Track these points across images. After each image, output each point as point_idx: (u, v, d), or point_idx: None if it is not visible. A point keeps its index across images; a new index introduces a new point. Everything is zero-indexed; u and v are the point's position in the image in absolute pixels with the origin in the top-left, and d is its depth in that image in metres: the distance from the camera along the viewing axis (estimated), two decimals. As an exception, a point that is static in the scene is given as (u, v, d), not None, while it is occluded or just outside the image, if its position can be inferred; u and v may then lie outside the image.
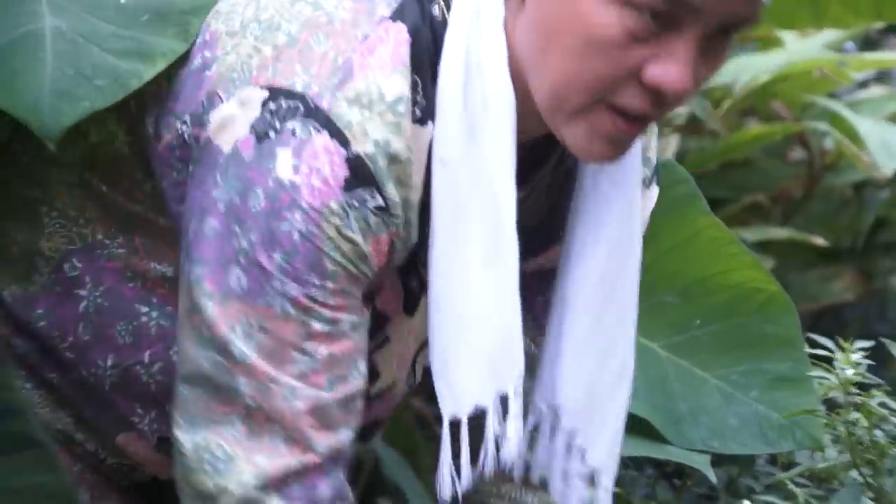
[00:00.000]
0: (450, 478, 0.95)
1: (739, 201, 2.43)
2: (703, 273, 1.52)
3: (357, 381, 0.97)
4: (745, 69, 2.28)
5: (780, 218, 2.49)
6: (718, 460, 1.56)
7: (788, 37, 2.38)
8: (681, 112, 2.26)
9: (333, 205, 0.89)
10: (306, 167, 0.89)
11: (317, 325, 0.93)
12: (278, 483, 0.95)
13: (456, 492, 0.96)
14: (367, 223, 0.91)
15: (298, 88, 0.89)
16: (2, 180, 1.03)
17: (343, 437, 0.95)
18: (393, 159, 0.91)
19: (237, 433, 0.94)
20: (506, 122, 0.94)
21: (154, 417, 1.07)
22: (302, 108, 0.89)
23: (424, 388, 1.38)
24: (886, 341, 1.42)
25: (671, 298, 1.53)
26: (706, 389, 1.51)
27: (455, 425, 0.94)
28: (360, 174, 0.89)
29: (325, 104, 0.88)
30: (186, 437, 0.95)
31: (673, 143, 2.36)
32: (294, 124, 0.89)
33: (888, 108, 2.53)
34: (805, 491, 1.44)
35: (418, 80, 0.92)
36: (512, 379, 0.96)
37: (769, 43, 2.42)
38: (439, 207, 0.95)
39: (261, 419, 0.94)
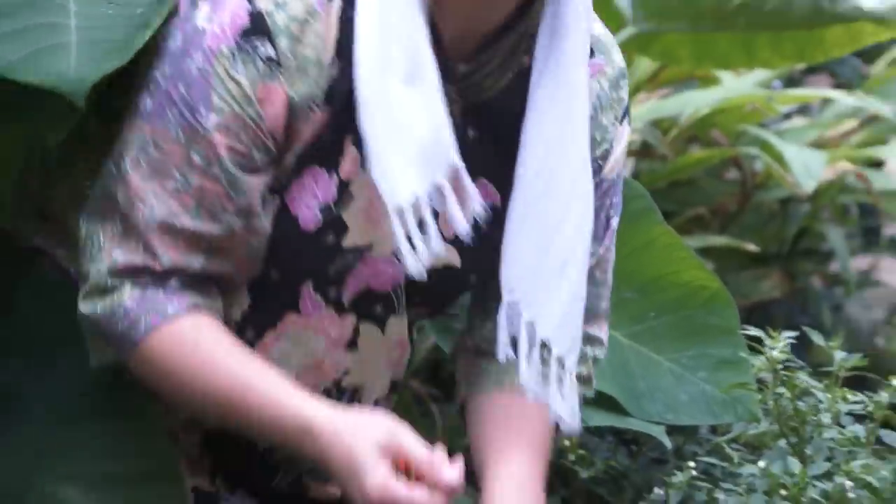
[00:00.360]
0: (408, 252, 0.98)
1: (684, 214, 2.54)
2: (658, 273, 1.58)
3: (227, 231, 1.01)
4: (688, 103, 2.45)
5: (718, 228, 2.61)
6: (669, 430, 1.61)
7: (725, 76, 2.51)
8: (635, 139, 2.34)
9: (224, 48, 0.96)
10: (216, 17, 0.97)
11: (196, 158, 0.98)
12: (126, 272, 1.01)
13: (417, 263, 0.99)
14: (256, 68, 0.97)
15: None
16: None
17: (194, 263, 1.01)
18: (291, 18, 0.97)
19: (115, 230, 1.01)
20: None
21: None
22: None
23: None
24: (807, 330, 1.50)
25: (630, 294, 1.58)
26: (661, 371, 1.58)
27: (401, 215, 0.99)
28: (257, 27, 0.96)
29: None
30: (83, 225, 1.02)
31: (628, 165, 2.35)
32: None
33: (809, 136, 2.67)
34: (739, 454, 1.51)
35: None
36: (442, 170, 0.99)
37: (708, 81, 2.53)
38: (362, 49, 1.00)
39: (130, 225, 1.00)
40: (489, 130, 1.09)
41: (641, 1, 2.12)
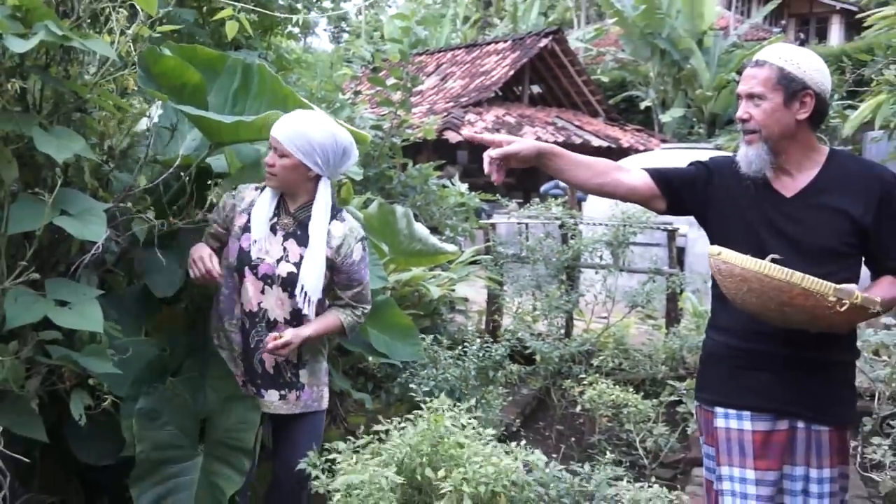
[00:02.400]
0: (258, 251, 2.29)
1: (405, 309, 3.71)
2: (395, 320, 3.24)
3: (219, 233, 2.43)
4: (409, 275, 4.06)
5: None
6: (401, 362, 3.44)
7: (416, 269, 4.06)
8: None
9: (226, 194, 2.43)
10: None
11: (217, 220, 2.47)
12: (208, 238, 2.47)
13: (259, 255, 2.28)
14: (229, 197, 2.41)
15: None
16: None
17: (214, 241, 2.42)
18: (239, 190, 2.42)
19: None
20: (266, 199, 2.30)
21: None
22: None
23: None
24: (436, 335, 3.74)
25: (389, 324, 3.15)
26: (378, 340, 3.10)
27: (256, 241, 2.31)
28: (232, 194, 2.43)
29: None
30: None
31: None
32: None
33: (436, 282, 4.26)
34: (420, 367, 3.53)
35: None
36: (261, 235, 2.32)
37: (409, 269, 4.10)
38: (256, 203, 2.30)
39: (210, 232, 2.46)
40: (302, 227, 2.24)
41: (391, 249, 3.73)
